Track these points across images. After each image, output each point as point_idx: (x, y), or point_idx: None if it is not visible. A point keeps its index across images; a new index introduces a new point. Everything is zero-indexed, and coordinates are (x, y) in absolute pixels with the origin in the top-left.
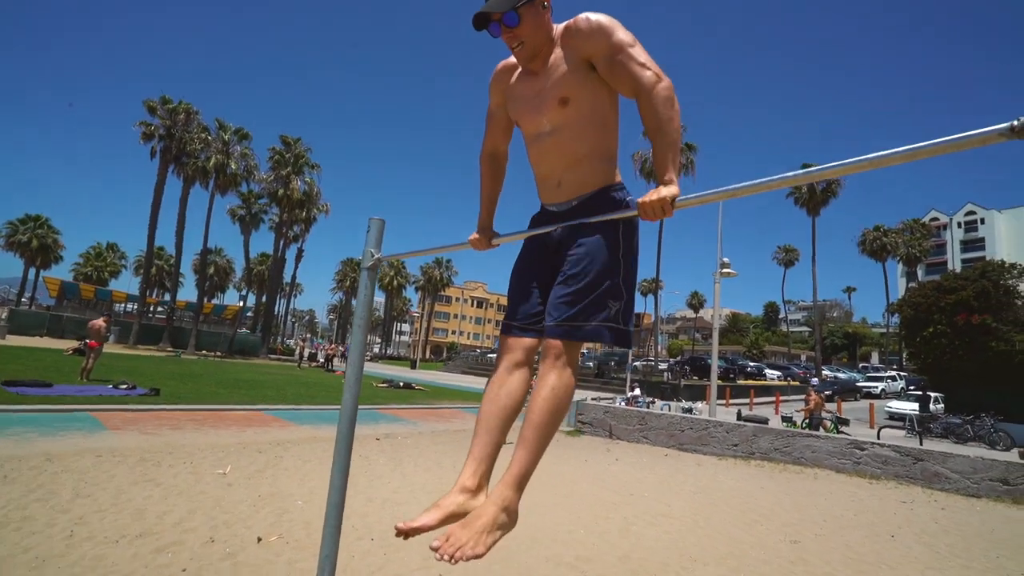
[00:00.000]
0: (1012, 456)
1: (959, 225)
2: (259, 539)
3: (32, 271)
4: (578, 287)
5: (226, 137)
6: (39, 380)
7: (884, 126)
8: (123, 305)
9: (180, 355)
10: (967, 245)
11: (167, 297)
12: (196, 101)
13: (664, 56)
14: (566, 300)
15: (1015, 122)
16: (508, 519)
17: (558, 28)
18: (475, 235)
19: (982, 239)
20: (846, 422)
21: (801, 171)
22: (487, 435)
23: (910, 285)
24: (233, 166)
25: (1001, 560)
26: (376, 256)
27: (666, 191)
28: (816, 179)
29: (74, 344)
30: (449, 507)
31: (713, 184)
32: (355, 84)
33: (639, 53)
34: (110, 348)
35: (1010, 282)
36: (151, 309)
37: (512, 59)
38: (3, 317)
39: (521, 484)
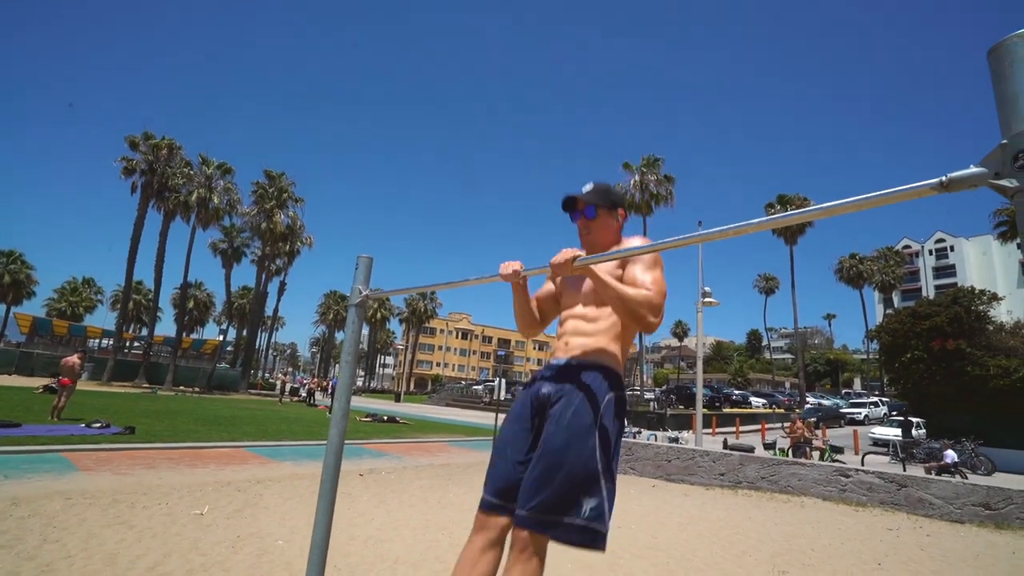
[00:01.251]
0: (993, 481)
1: (930, 252)
2: None
3: (2, 307)
4: (550, 476)
5: (209, 171)
6: (6, 420)
7: (843, 161)
8: (97, 341)
9: (156, 392)
10: (939, 272)
11: (144, 332)
12: (179, 136)
13: (640, 83)
14: (536, 490)
15: (943, 178)
16: None
17: (625, 240)
18: (507, 263)
19: (952, 266)
20: (840, 450)
21: (743, 222)
22: None
23: (887, 312)
24: (216, 200)
25: None
26: (364, 293)
27: (569, 253)
28: (748, 231)
29: (45, 381)
30: None
31: (690, 214)
32: (341, 115)
33: (656, 272)
34: (83, 385)
35: (981, 308)
36: (127, 344)
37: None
38: None
39: None
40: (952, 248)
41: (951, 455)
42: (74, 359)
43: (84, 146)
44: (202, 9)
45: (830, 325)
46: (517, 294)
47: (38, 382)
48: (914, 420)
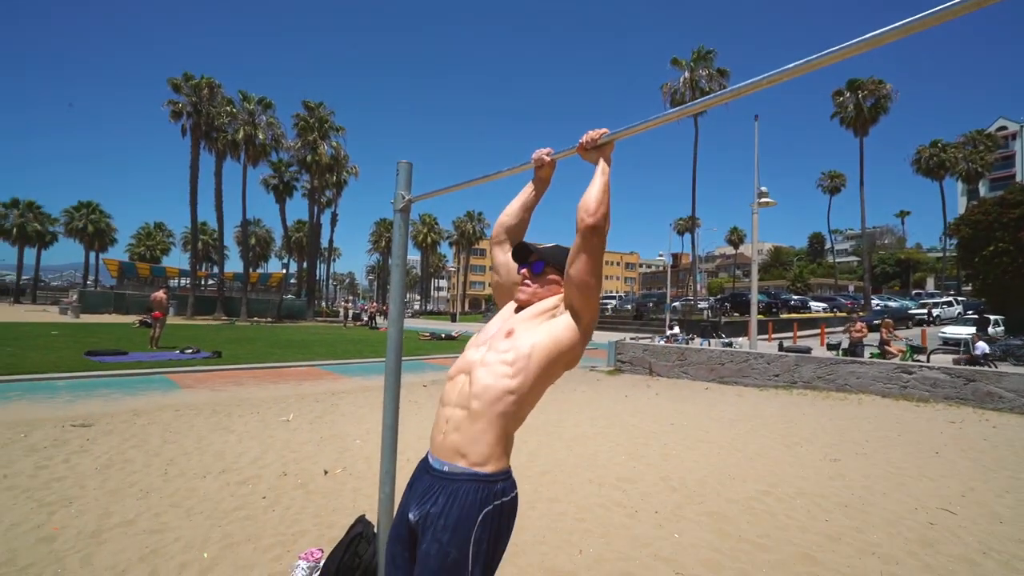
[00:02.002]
0: None
1: None
2: (325, 472)
3: (92, 255)
4: None
5: (251, 108)
6: (116, 349)
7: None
8: (176, 280)
9: (234, 322)
10: None
11: (215, 269)
12: (216, 74)
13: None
14: None
15: None
16: None
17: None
18: (541, 151)
19: None
20: (921, 350)
21: (768, 74)
22: None
23: (971, 203)
24: (261, 136)
25: None
26: (407, 198)
27: (597, 131)
28: (786, 78)
29: (140, 317)
30: None
31: (747, 108)
32: (371, 39)
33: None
34: (170, 320)
35: None
36: (202, 282)
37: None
38: (74, 299)
39: None
40: None
41: (982, 346)
42: (161, 294)
43: (136, 96)
44: None
45: (903, 223)
46: (536, 187)
47: (133, 318)
48: (992, 317)
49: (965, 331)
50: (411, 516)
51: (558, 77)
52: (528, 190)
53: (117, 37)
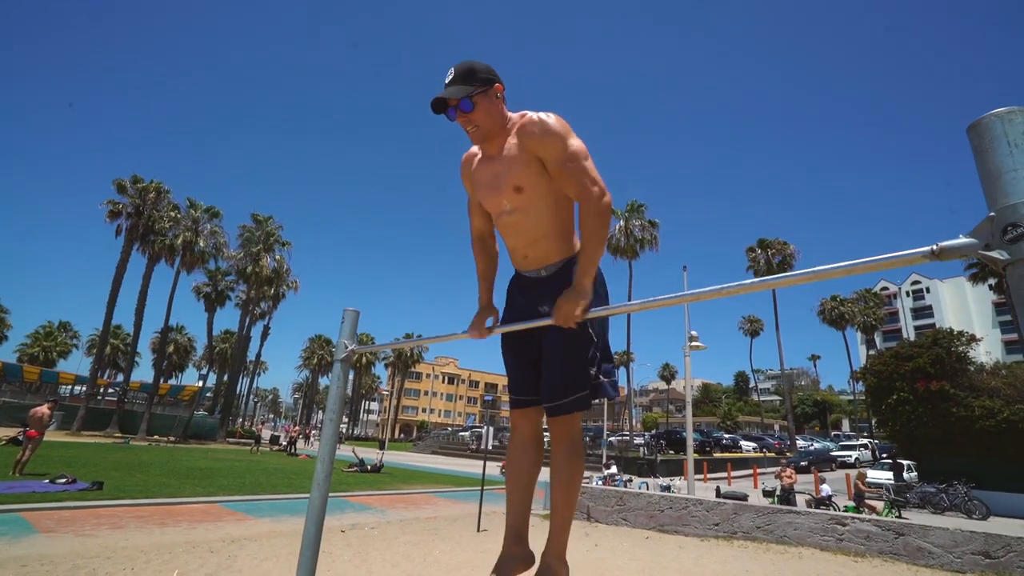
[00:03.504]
0: (990, 527)
1: (907, 294)
2: None
3: None
4: (562, 371)
5: (196, 215)
6: None
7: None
8: (70, 387)
9: (129, 441)
10: (917, 312)
11: (119, 378)
12: (165, 179)
13: (617, 128)
14: (554, 385)
15: (935, 247)
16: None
17: (513, 117)
18: (476, 317)
19: (930, 306)
20: (902, 504)
21: (739, 283)
22: (519, 504)
23: (870, 352)
24: (202, 244)
25: None
26: (350, 348)
27: (580, 301)
28: (736, 292)
29: (10, 433)
30: (508, 567)
31: (675, 256)
32: (328, 160)
33: (589, 167)
34: (52, 435)
35: (960, 349)
36: (101, 391)
37: (472, 149)
38: None
39: (563, 554)
40: (928, 290)
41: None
42: (44, 409)
43: (64, 189)
44: (191, 48)
45: (815, 366)
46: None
47: (2, 433)
48: (904, 463)
49: (884, 476)
50: (543, 307)
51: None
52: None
53: (49, 125)
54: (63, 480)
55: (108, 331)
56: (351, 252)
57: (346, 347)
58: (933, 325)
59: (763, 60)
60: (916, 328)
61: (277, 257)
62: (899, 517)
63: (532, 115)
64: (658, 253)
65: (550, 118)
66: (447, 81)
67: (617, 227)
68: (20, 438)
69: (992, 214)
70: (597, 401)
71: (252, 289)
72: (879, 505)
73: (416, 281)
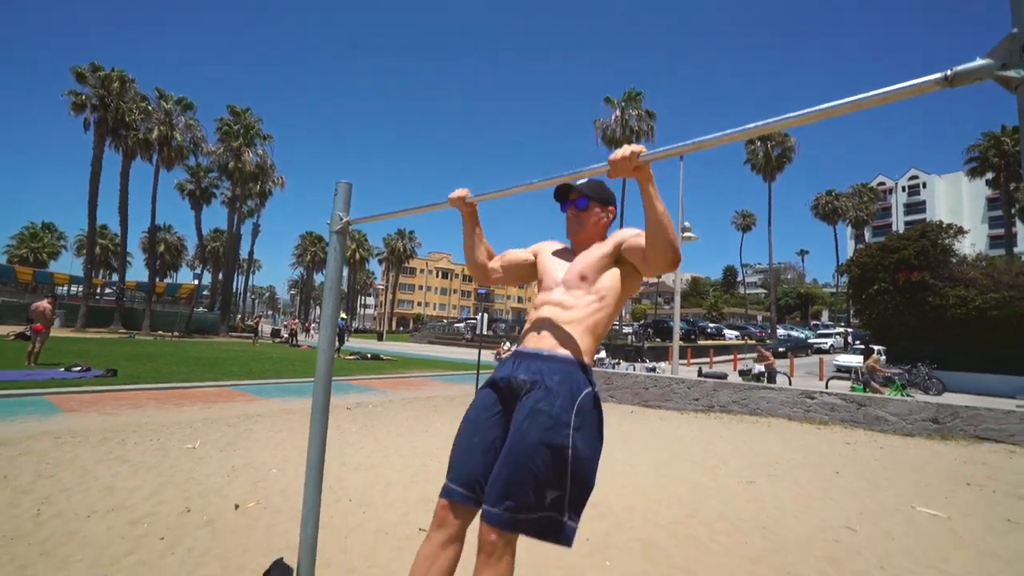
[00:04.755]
0: (943, 400)
1: (903, 189)
2: (236, 506)
3: None
4: (519, 472)
5: (168, 107)
6: None
7: (836, 84)
8: (66, 288)
9: (134, 336)
10: (910, 208)
11: (114, 278)
12: (131, 70)
13: (621, 18)
14: (504, 486)
15: (948, 72)
16: None
17: (612, 234)
18: (459, 192)
19: (923, 202)
20: (923, 383)
21: (760, 123)
22: None
23: (858, 247)
24: (179, 138)
25: (930, 489)
26: (344, 220)
27: (633, 147)
28: (774, 129)
29: (17, 329)
30: None
31: (673, 157)
32: (304, 49)
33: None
34: (57, 332)
35: (946, 241)
36: (98, 291)
37: (556, 246)
38: None
39: None
40: (924, 185)
41: (892, 370)
42: (44, 304)
43: (30, 80)
44: None
45: (803, 261)
46: (466, 224)
47: (7, 330)
48: (875, 348)
49: (854, 359)
50: (521, 376)
51: (492, 101)
52: (464, 227)
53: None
54: (78, 368)
55: (94, 231)
56: (338, 148)
57: (341, 219)
58: (924, 220)
59: None
60: (907, 223)
61: (260, 152)
62: (908, 396)
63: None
64: (654, 145)
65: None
66: (579, 183)
67: (613, 117)
68: (28, 333)
69: (1014, 31)
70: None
71: (236, 186)
72: (885, 391)
73: (408, 176)
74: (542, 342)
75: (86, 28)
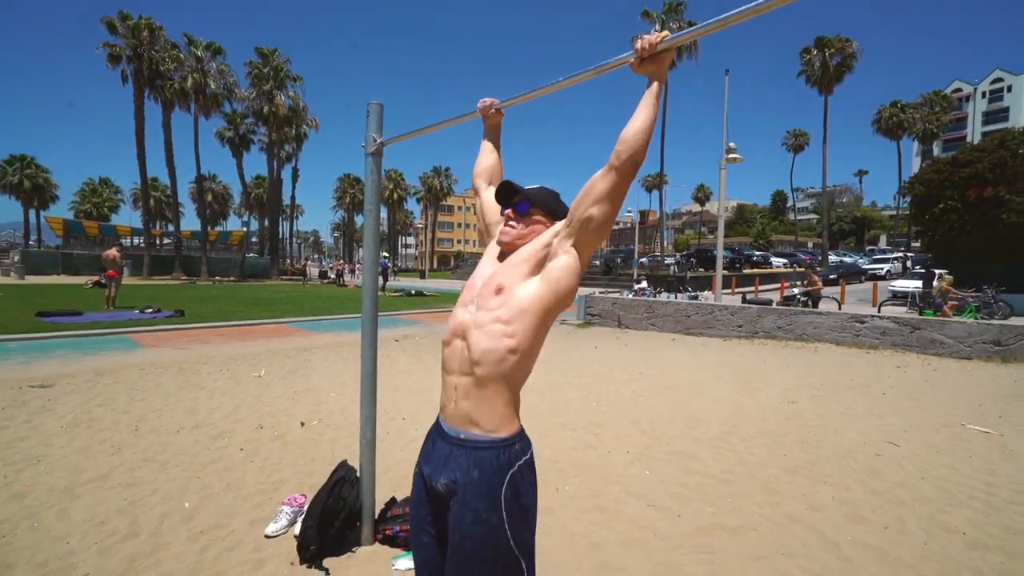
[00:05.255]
0: (1008, 321)
1: (983, 95)
2: (302, 424)
3: (32, 213)
4: None
5: (198, 53)
6: (70, 309)
7: None
8: (129, 239)
9: (195, 282)
10: (990, 116)
11: (171, 228)
12: (157, 18)
13: None
14: None
15: None
16: None
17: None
18: (487, 100)
19: (1007, 108)
20: (988, 306)
21: None
22: None
23: (925, 163)
24: (212, 85)
25: (984, 408)
26: (379, 141)
27: (659, 33)
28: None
29: (93, 278)
30: None
31: (717, 63)
32: None
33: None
34: (126, 280)
35: None
36: (157, 241)
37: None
38: (16, 259)
39: None
40: (1010, 88)
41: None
42: (114, 252)
43: (66, 36)
44: None
45: (860, 182)
46: (486, 134)
47: (85, 279)
48: (937, 272)
49: (912, 284)
50: (439, 485)
51: (528, 16)
52: (484, 140)
53: None
54: (150, 310)
55: (147, 184)
56: (372, 82)
57: (375, 140)
58: (1006, 130)
59: None
60: (984, 134)
61: (291, 94)
62: (983, 318)
63: None
64: (697, 62)
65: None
66: (530, 187)
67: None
68: (103, 280)
69: None
70: (628, 224)
71: (272, 131)
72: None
73: (441, 110)
74: (455, 415)
75: None
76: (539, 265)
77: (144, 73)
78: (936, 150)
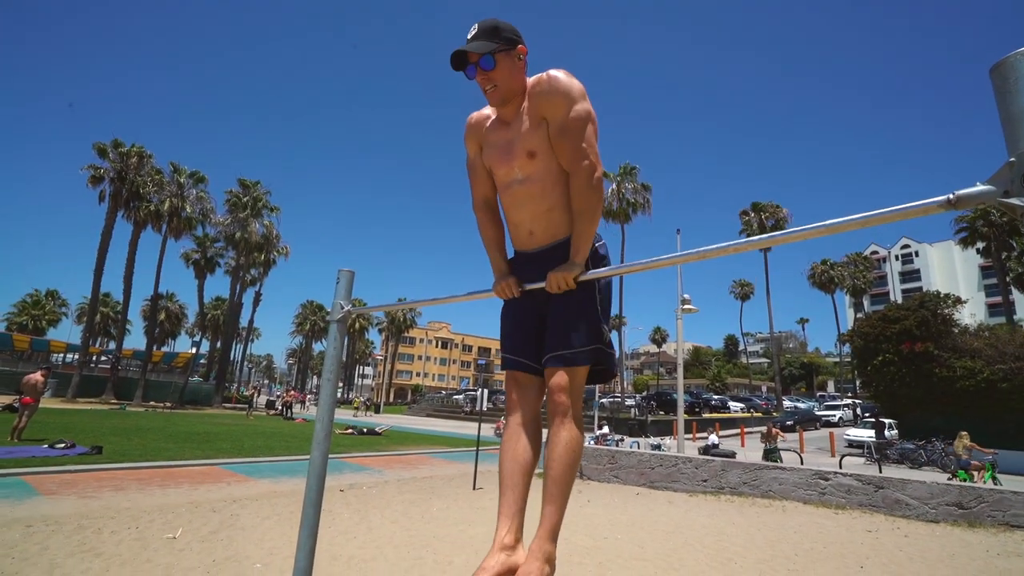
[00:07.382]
0: (965, 483)
1: (896, 258)
2: None
3: None
4: (567, 329)
5: (181, 180)
6: None
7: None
8: (61, 356)
9: (125, 408)
10: (905, 276)
11: (111, 346)
12: (149, 144)
13: (613, 91)
14: (562, 334)
15: (951, 195)
16: (551, 569)
17: (530, 81)
18: (502, 283)
19: (918, 270)
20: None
21: (765, 236)
22: (513, 491)
23: (858, 316)
24: (188, 209)
25: None
26: (346, 309)
27: (571, 272)
28: (778, 242)
29: (5, 400)
30: (495, 568)
31: (667, 220)
32: (316, 124)
33: (590, 137)
34: (47, 403)
35: (946, 311)
36: (94, 359)
37: (484, 111)
38: None
39: (555, 536)
40: (916, 254)
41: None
42: (37, 376)
43: (47, 155)
44: (177, 15)
45: (803, 329)
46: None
47: None
48: (886, 421)
49: (866, 434)
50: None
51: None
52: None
53: (29, 86)
54: (62, 445)
55: (97, 299)
56: (342, 219)
57: (342, 307)
58: (920, 288)
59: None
60: (904, 291)
61: (266, 223)
62: (996, 483)
63: (542, 74)
64: (650, 218)
65: (559, 74)
66: (469, 37)
67: (610, 190)
68: (15, 405)
69: (1012, 159)
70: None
71: (241, 255)
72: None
73: (410, 247)
74: (534, 242)
75: (96, 101)
76: (544, 124)
77: (123, 195)
78: (866, 303)
